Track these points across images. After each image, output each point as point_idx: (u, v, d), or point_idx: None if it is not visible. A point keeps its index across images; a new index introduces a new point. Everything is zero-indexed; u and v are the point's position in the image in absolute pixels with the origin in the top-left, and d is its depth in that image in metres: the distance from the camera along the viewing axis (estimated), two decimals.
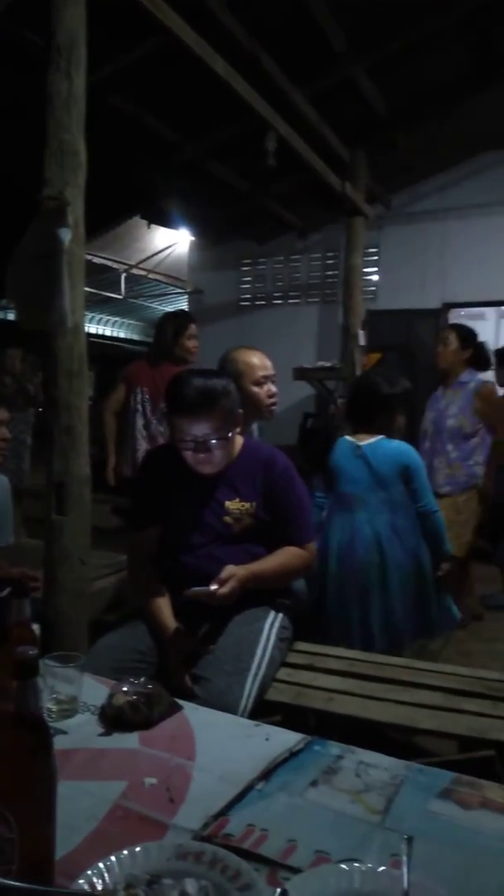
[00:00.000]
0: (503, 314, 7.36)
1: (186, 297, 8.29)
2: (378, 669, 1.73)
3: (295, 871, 0.84)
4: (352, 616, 2.21)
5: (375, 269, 6.80)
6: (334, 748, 1.14)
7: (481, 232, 6.26)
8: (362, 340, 5.61)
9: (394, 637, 2.20)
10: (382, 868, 0.83)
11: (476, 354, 3.49)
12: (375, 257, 6.75)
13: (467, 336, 3.49)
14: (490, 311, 7.19)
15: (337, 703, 1.57)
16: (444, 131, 5.45)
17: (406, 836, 0.85)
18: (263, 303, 7.50)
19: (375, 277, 6.81)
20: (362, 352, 5.64)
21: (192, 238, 7.56)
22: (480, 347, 3.54)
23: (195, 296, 7.82)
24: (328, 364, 5.90)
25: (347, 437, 2.38)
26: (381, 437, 2.31)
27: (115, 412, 3.52)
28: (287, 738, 1.16)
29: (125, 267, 8.45)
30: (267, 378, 2.20)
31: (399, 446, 2.30)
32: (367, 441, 2.30)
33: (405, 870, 0.80)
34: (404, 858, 0.81)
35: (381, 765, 1.09)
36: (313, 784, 1.04)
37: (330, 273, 7.08)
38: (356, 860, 0.85)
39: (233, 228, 6.76)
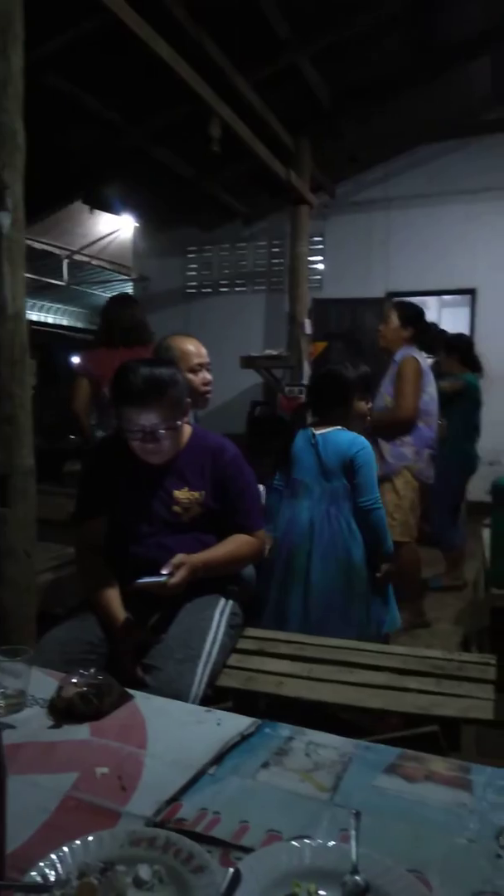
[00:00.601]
0: (445, 303, 7.54)
1: (131, 283, 8.16)
2: (327, 652, 1.77)
3: (247, 850, 0.85)
4: (276, 599, 2.22)
5: (321, 257, 6.86)
6: (285, 730, 1.16)
7: (423, 222, 6.39)
8: (308, 329, 5.66)
9: (310, 629, 2.11)
10: (332, 843, 0.85)
11: (417, 334, 3.37)
12: (321, 246, 6.80)
13: (408, 314, 3.40)
14: (433, 301, 7.36)
15: (287, 686, 1.60)
16: (386, 122, 5.53)
17: (354, 812, 0.88)
18: (210, 290, 7.46)
19: (321, 266, 6.87)
20: (308, 340, 5.69)
21: (137, 224, 7.44)
22: (424, 328, 3.43)
23: (141, 283, 7.72)
24: (275, 352, 5.93)
25: (310, 427, 2.37)
26: (337, 427, 2.30)
27: (87, 411, 3.29)
28: (238, 723, 1.18)
29: (67, 253, 8.25)
30: (202, 366, 2.20)
31: (351, 439, 2.26)
32: (322, 431, 2.31)
33: (353, 843, 0.83)
34: (353, 832, 0.84)
35: (330, 744, 1.12)
36: (264, 766, 1.06)
37: (276, 261, 7.10)
38: (307, 837, 0.87)
39: (178, 215, 6.70)
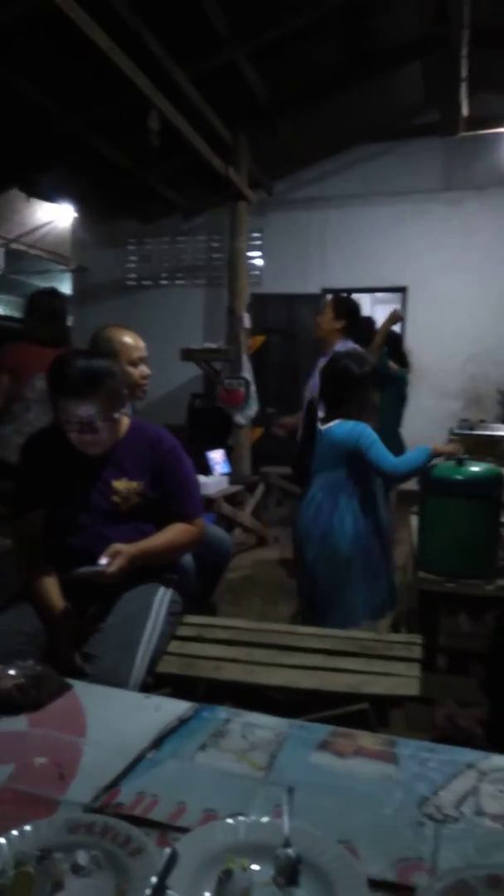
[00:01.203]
0: (378, 300, 7.73)
1: (70, 274, 8.00)
2: (263, 636, 1.82)
3: (184, 831, 0.88)
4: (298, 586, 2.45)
5: (259, 253, 6.91)
6: (222, 713, 1.19)
7: (358, 221, 6.53)
8: (247, 323, 5.70)
9: (315, 615, 2.28)
10: (266, 819, 0.89)
11: (351, 326, 3.51)
12: (259, 242, 6.85)
13: (343, 307, 3.53)
14: (366, 297, 7.52)
15: (225, 670, 1.63)
16: (323, 121, 5.62)
17: (288, 788, 0.92)
18: (150, 283, 7.40)
19: (259, 262, 6.92)
20: (247, 334, 5.73)
21: (76, 214, 7.29)
22: (356, 321, 3.57)
23: (79, 273, 7.57)
24: (214, 346, 5.95)
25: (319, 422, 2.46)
26: (338, 420, 2.35)
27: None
28: (177, 707, 1.20)
29: (4, 241, 8.00)
30: (142, 359, 2.20)
31: (348, 429, 2.30)
32: (327, 425, 2.38)
33: (286, 818, 0.86)
34: (286, 808, 0.88)
35: (265, 725, 1.15)
36: (202, 748, 1.08)
37: (215, 256, 7.11)
38: (242, 814, 0.90)
39: (117, 206, 6.61)
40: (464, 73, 4.26)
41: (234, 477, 4.64)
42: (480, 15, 3.97)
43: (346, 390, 2.37)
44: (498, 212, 6.24)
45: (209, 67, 4.42)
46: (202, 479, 3.48)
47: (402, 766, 1.04)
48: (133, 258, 7.43)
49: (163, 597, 1.73)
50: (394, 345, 4.42)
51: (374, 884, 0.78)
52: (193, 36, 4.15)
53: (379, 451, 2.24)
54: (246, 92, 4.90)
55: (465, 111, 4.83)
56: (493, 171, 6.04)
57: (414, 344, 5.45)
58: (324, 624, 2.16)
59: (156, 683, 1.61)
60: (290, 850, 0.81)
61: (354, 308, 3.59)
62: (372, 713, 1.47)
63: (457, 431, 5.65)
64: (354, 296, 4.31)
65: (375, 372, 2.45)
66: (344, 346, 3.52)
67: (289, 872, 0.79)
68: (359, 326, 3.61)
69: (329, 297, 4.51)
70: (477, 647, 2.69)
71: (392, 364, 4.24)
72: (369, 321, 3.89)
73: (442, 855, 0.85)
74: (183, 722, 1.15)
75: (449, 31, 3.87)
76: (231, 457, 4.98)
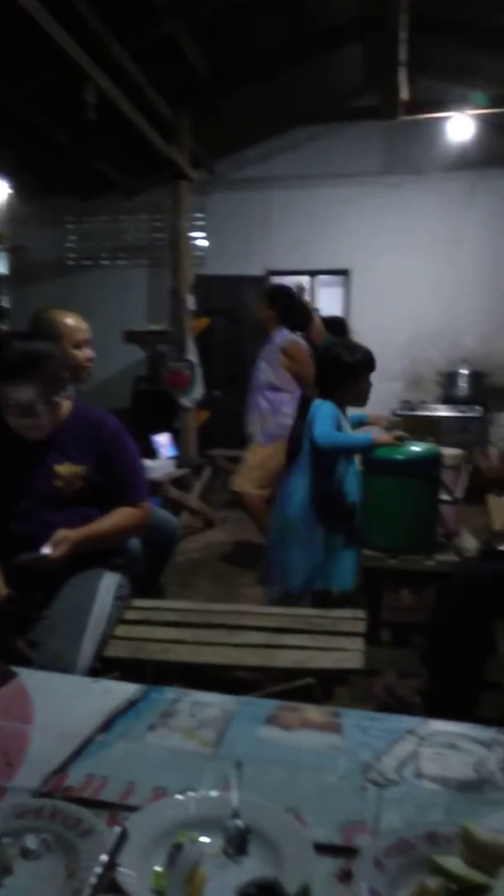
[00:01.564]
0: (322, 282, 7.77)
1: (5, 253, 7.70)
2: (210, 617, 1.84)
3: (134, 809, 0.88)
4: None
5: (203, 234, 6.83)
6: (171, 693, 1.20)
7: (302, 203, 6.53)
8: (191, 305, 5.65)
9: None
10: (215, 793, 0.90)
11: (284, 313, 3.64)
12: (202, 222, 6.77)
13: (272, 294, 3.72)
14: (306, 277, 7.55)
15: (172, 652, 1.65)
16: (265, 101, 5.58)
17: (236, 762, 0.94)
18: (90, 263, 7.23)
19: (203, 242, 6.84)
20: (192, 316, 5.69)
21: (10, 191, 7.02)
22: (290, 307, 3.69)
23: (16, 252, 7.31)
24: (158, 327, 5.88)
25: None
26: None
27: None
28: (126, 690, 1.20)
29: None
30: (86, 341, 2.18)
31: (318, 405, 2.50)
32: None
33: (234, 791, 0.88)
34: (234, 781, 0.90)
35: (214, 703, 1.17)
36: (151, 728, 1.09)
37: (158, 236, 6.99)
38: (191, 790, 0.91)
39: (54, 183, 6.40)
40: (402, 57, 4.29)
41: (180, 460, 4.63)
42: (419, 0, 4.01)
43: (338, 377, 2.54)
44: (438, 196, 6.35)
45: (148, 41, 4.31)
46: (148, 462, 3.48)
47: (346, 736, 1.08)
48: (72, 237, 7.23)
49: (109, 581, 1.72)
50: (338, 329, 4.49)
51: (320, 847, 0.81)
52: (131, 8, 4.04)
53: (322, 420, 2.43)
54: (187, 68, 4.81)
55: (404, 95, 4.87)
56: (433, 156, 6.13)
57: (357, 327, 5.52)
58: (268, 582, 2.31)
59: (104, 668, 1.61)
60: (238, 821, 0.83)
61: (285, 295, 3.71)
62: (318, 687, 1.51)
63: (398, 412, 5.79)
64: (301, 278, 4.37)
65: (367, 360, 2.61)
66: (280, 334, 3.61)
67: (238, 842, 0.82)
68: (294, 312, 3.68)
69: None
70: (418, 620, 2.78)
71: None
72: (303, 306, 4.00)
73: (384, 817, 0.89)
74: (132, 704, 1.16)
75: (387, 14, 3.89)
76: (177, 440, 4.96)
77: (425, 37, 4.79)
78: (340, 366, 2.55)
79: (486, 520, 3.25)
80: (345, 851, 0.82)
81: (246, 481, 3.76)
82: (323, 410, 2.46)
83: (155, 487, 3.80)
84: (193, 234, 6.28)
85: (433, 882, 0.74)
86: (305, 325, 3.77)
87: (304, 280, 4.39)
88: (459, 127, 5.63)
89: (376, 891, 0.72)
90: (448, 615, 1.96)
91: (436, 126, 5.75)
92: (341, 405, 2.59)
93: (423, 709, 1.93)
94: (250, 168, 6.67)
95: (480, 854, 0.75)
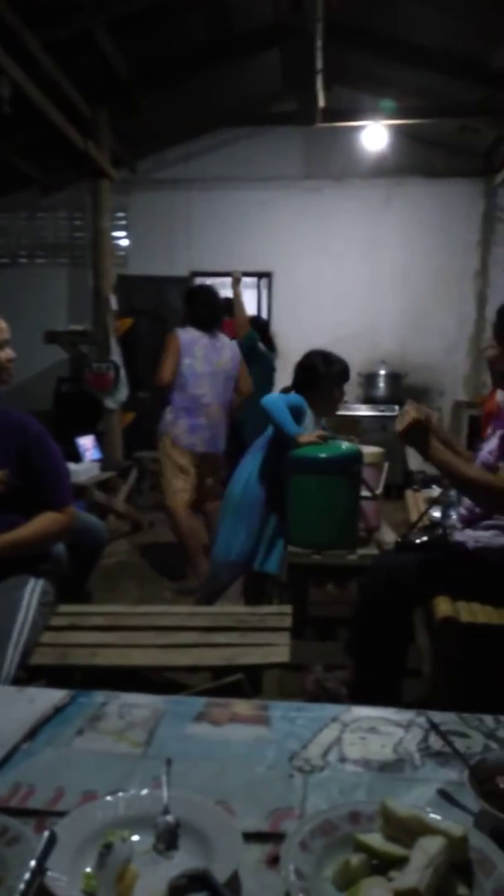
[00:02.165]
0: (246, 285, 7.82)
1: None
2: (139, 619, 1.84)
3: (63, 814, 0.88)
4: None
5: (124, 233, 6.75)
6: (99, 697, 1.19)
7: (223, 205, 6.57)
8: (114, 305, 5.57)
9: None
10: (145, 791, 0.91)
11: (192, 311, 3.66)
12: (124, 222, 6.70)
13: (186, 294, 3.81)
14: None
15: (101, 656, 1.63)
16: (185, 102, 5.57)
17: (166, 759, 0.95)
18: (7, 261, 7.00)
19: (125, 242, 6.77)
20: (114, 316, 5.61)
21: None
22: (198, 304, 3.68)
23: None
24: (80, 328, 5.76)
25: None
26: None
27: None
28: (52, 696, 1.18)
29: None
30: (6, 341, 2.12)
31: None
32: None
33: (165, 788, 0.89)
34: (164, 778, 0.91)
35: (143, 703, 1.18)
36: (79, 733, 1.09)
37: (78, 234, 6.86)
38: (121, 791, 0.92)
39: None
40: (319, 65, 4.40)
41: (105, 463, 4.57)
42: (333, 9, 4.12)
43: (311, 383, 2.69)
44: (356, 202, 6.54)
45: (64, 36, 4.22)
46: (72, 466, 3.41)
47: (274, 727, 1.11)
48: None
49: (34, 587, 1.69)
50: (261, 330, 4.56)
51: (249, 836, 0.84)
52: (47, 1, 3.94)
53: (278, 396, 2.69)
54: (105, 65, 4.74)
55: (321, 103, 5.00)
56: (349, 162, 6.31)
57: (280, 328, 5.62)
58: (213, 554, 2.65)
59: (29, 677, 1.58)
60: (168, 817, 0.84)
61: (193, 294, 3.74)
62: (247, 683, 1.54)
63: None
64: (223, 280, 4.41)
65: (343, 371, 2.78)
66: (183, 331, 3.61)
67: (168, 838, 0.83)
68: (200, 310, 3.66)
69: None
70: (342, 614, 2.87)
71: (261, 345, 4.38)
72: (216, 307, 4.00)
73: (310, 801, 0.92)
74: (59, 710, 1.15)
75: (304, 22, 3.97)
76: (101, 442, 4.88)
77: (341, 46, 4.93)
78: (315, 374, 2.69)
79: (404, 514, 3.39)
80: (273, 837, 0.85)
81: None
82: (291, 396, 2.65)
83: (79, 491, 3.74)
84: (115, 234, 6.19)
85: (356, 858, 0.78)
86: (210, 326, 3.71)
87: (238, 271, 4.42)
88: (375, 136, 5.82)
89: (301, 871, 0.75)
90: (369, 607, 2.04)
91: (353, 134, 5.93)
92: (314, 410, 2.72)
93: (349, 698, 2.00)
94: (172, 168, 6.65)
95: (399, 828, 0.80)
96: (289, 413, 2.54)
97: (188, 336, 3.58)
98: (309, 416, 2.66)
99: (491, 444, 2.02)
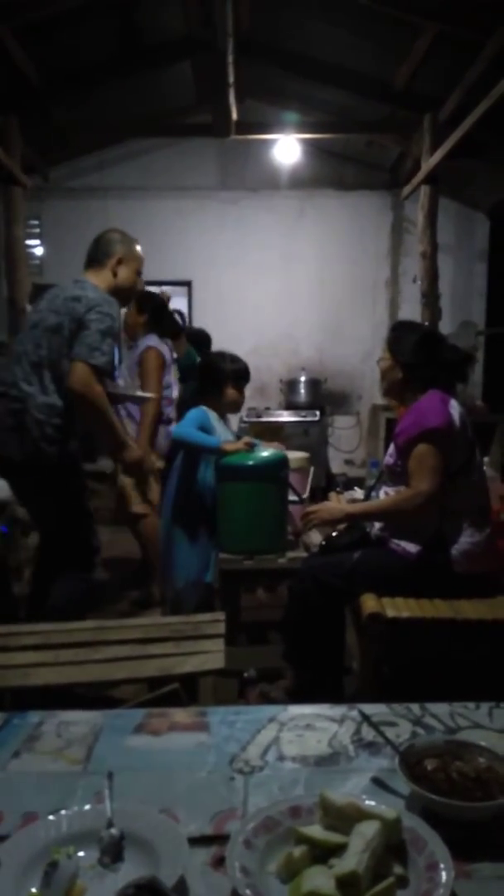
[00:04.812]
0: (175, 293, 7.84)
1: None
2: (72, 636, 1.81)
3: (5, 838, 0.87)
4: None
5: (38, 241, 6.59)
6: (34, 717, 1.18)
7: (140, 214, 6.53)
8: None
9: None
10: (87, 807, 0.91)
11: (154, 320, 3.65)
12: (38, 230, 6.55)
13: (145, 302, 3.69)
14: (154, 290, 7.58)
15: (34, 676, 1.60)
16: (98, 110, 5.53)
17: (108, 773, 0.95)
18: None
19: (39, 251, 6.61)
20: None
21: None
22: (161, 315, 3.69)
23: None
24: None
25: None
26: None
27: None
28: None
29: None
30: None
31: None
32: None
33: (108, 801, 0.90)
34: (106, 792, 0.91)
35: (80, 720, 1.17)
36: (15, 755, 1.07)
37: None
38: (63, 809, 0.91)
39: None
40: (231, 78, 4.47)
41: None
42: (242, 25, 4.21)
43: (213, 383, 2.72)
44: (271, 213, 6.66)
45: None
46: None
47: (213, 732, 1.13)
48: None
49: None
50: (203, 340, 4.57)
51: (194, 840, 0.86)
52: None
53: (184, 420, 2.66)
54: (14, 71, 4.64)
55: (234, 115, 5.08)
56: (264, 174, 6.43)
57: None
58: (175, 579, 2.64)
59: None
60: (112, 830, 0.85)
61: (159, 304, 3.71)
62: (183, 691, 1.55)
63: (245, 419, 5.99)
64: (165, 288, 4.39)
65: (243, 371, 2.80)
66: (147, 340, 3.60)
67: (113, 850, 0.84)
68: (165, 321, 3.68)
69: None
70: (273, 617, 2.92)
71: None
72: (173, 316, 4.01)
73: (251, 801, 0.95)
74: None
75: (214, 36, 4.04)
76: None
77: (252, 61, 5.03)
78: (214, 372, 2.73)
79: None
80: (217, 840, 0.87)
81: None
82: (190, 413, 2.64)
83: (1, 508, 3.61)
84: (28, 242, 6.03)
85: (297, 851, 0.81)
86: (176, 333, 3.75)
87: (167, 289, 4.38)
88: (287, 149, 5.97)
89: (246, 868, 0.78)
90: (300, 610, 2.09)
91: (267, 146, 6.05)
92: (218, 411, 2.73)
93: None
94: (86, 176, 6.56)
95: (337, 817, 0.84)
96: (198, 431, 2.55)
97: (166, 350, 3.63)
98: (216, 423, 2.68)
99: (391, 449, 2.16)
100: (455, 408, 2.05)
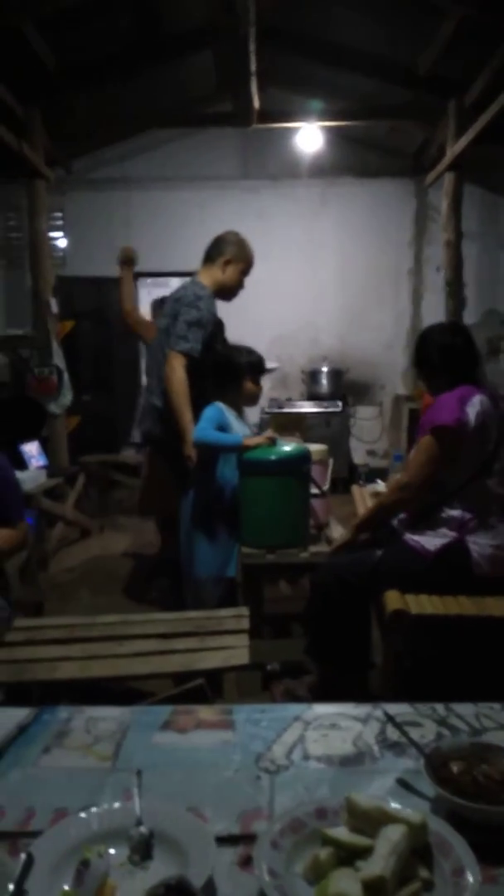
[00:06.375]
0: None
1: None
2: (97, 630, 1.83)
3: (36, 834, 0.89)
4: None
5: (61, 233, 6.63)
6: (63, 712, 1.20)
7: (162, 204, 6.54)
8: (55, 308, 5.47)
9: None
10: (117, 805, 0.93)
11: None
12: (60, 222, 6.58)
13: (159, 308, 3.92)
14: (176, 281, 7.59)
15: (61, 670, 1.62)
16: (120, 101, 5.51)
17: (136, 771, 0.97)
18: None
19: (62, 243, 6.65)
20: (55, 319, 5.51)
21: None
22: None
23: None
24: (20, 332, 5.63)
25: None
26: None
27: None
28: (14, 715, 1.18)
29: None
30: None
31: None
32: None
33: (136, 799, 0.91)
34: (135, 790, 0.93)
35: (108, 716, 1.19)
36: (46, 751, 1.09)
37: (14, 235, 6.68)
38: (93, 806, 0.93)
39: None
40: (253, 67, 4.43)
41: (51, 469, 4.49)
42: (265, 12, 4.16)
43: (228, 377, 2.65)
44: (293, 202, 6.61)
45: None
46: (18, 474, 3.34)
47: (239, 731, 1.14)
48: None
49: None
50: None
51: (221, 839, 0.87)
52: None
53: (202, 420, 2.55)
54: (36, 63, 4.65)
55: (255, 104, 5.03)
56: (285, 162, 6.38)
57: None
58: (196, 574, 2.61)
59: None
60: (142, 828, 0.87)
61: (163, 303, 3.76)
62: (207, 687, 1.56)
63: (267, 410, 5.99)
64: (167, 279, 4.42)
65: (260, 363, 2.75)
66: None
67: (143, 849, 0.85)
68: None
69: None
70: (296, 610, 2.93)
71: None
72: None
73: (277, 801, 0.96)
74: (22, 729, 1.15)
75: (238, 24, 4.00)
76: (46, 448, 4.80)
77: (274, 48, 4.98)
78: (230, 367, 2.67)
79: (352, 507, 3.48)
80: (244, 839, 0.88)
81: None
82: (206, 412, 2.58)
83: (26, 500, 3.67)
84: (52, 234, 6.07)
85: (324, 852, 0.82)
86: None
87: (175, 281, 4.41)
88: (309, 137, 5.91)
89: (274, 870, 0.79)
90: (323, 608, 2.09)
91: (288, 135, 5.99)
92: (235, 406, 2.70)
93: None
94: (108, 168, 6.57)
95: (362, 820, 0.85)
96: (217, 431, 2.53)
97: None
98: (232, 419, 2.65)
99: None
100: (475, 405, 2.01)
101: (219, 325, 4.76)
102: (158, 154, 6.53)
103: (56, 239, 6.46)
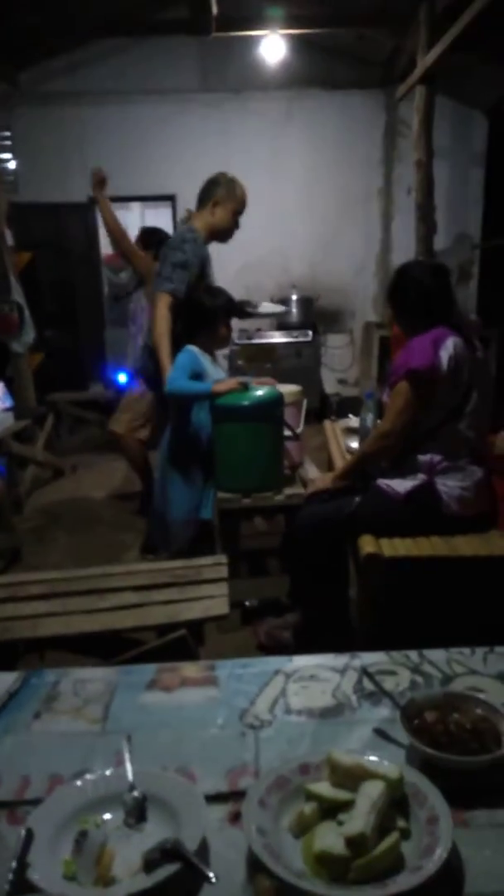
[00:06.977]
0: (147, 205, 7.48)
1: None
2: (77, 584, 1.85)
3: (33, 802, 0.92)
4: None
5: (10, 155, 6.22)
6: (50, 675, 1.23)
7: (118, 121, 6.15)
8: (10, 239, 5.20)
9: None
10: (109, 771, 0.96)
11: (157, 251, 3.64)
12: (9, 142, 6.16)
13: (147, 238, 3.92)
14: (136, 204, 7.24)
15: (43, 627, 1.65)
16: (68, 5, 5.06)
17: (126, 736, 1.00)
18: None
19: (12, 165, 6.25)
20: (11, 251, 5.24)
21: None
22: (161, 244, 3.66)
23: None
24: None
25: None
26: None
27: None
28: (2, 680, 1.20)
29: None
30: None
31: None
32: None
33: (128, 764, 0.95)
34: (126, 755, 0.97)
35: (95, 677, 1.22)
36: (36, 716, 1.12)
37: None
38: (87, 770, 0.97)
39: None
40: None
41: (18, 411, 4.41)
42: None
43: (199, 321, 2.62)
44: (256, 115, 6.27)
45: None
46: None
47: (222, 687, 1.19)
48: None
49: None
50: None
51: (211, 798, 0.92)
52: None
53: (174, 369, 2.53)
54: None
55: (214, 9, 4.67)
56: (248, 74, 6.01)
57: None
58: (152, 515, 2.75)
59: None
60: (135, 793, 0.91)
61: (162, 238, 3.69)
62: (190, 637, 1.61)
63: (237, 342, 5.90)
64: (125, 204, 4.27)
65: (228, 304, 2.69)
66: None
67: (136, 811, 0.90)
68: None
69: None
70: (272, 545, 3.01)
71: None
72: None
73: (262, 756, 1.01)
74: (12, 695, 1.17)
75: None
76: (11, 389, 4.68)
77: None
78: (201, 310, 2.62)
79: (323, 439, 3.52)
80: (232, 796, 0.93)
81: (117, 422, 3.83)
82: (179, 359, 2.56)
83: None
84: (1, 156, 5.70)
85: (308, 807, 0.87)
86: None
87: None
88: (273, 46, 5.54)
89: (262, 828, 0.84)
90: (302, 555, 2.14)
91: (250, 44, 5.61)
92: (207, 349, 2.66)
93: (294, 647, 2.14)
94: (58, 81, 6.10)
95: (344, 776, 0.90)
96: (190, 380, 2.49)
97: None
98: (207, 363, 2.62)
99: (386, 388, 2.22)
100: (448, 349, 2.00)
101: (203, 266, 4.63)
102: (111, 65, 6.08)
103: (6, 161, 6.06)
